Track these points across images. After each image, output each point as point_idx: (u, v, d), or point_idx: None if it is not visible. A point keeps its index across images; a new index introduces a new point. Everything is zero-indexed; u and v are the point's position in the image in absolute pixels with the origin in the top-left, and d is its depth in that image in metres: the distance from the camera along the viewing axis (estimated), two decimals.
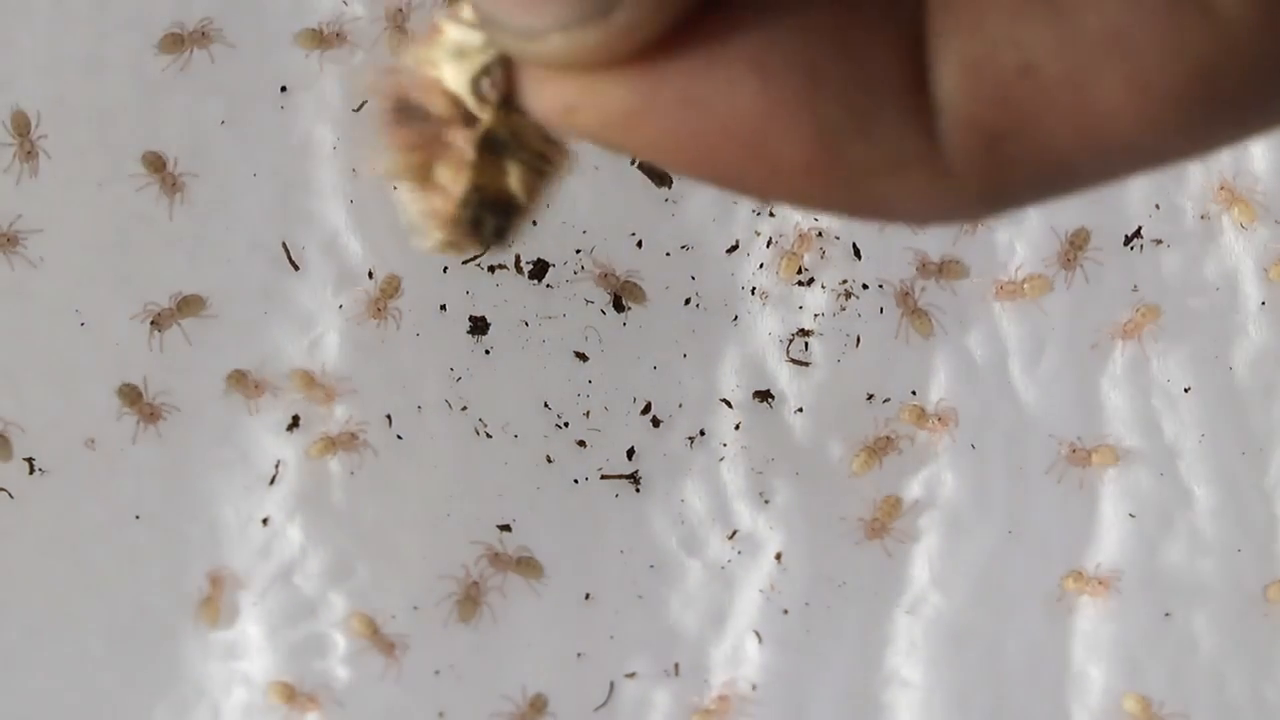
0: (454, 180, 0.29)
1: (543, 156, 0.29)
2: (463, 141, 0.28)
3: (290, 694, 0.70)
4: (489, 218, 0.29)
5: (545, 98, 0.27)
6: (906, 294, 0.75)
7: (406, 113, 0.29)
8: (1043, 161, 0.25)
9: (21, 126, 0.71)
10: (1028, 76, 0.24)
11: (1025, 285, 0.75)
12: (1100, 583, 0.74)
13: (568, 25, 0.25)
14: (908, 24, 0.25)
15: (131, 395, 0.72)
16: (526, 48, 0.26)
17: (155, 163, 0.72)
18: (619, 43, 0.25)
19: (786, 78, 0.25)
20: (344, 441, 0.72)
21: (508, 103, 0.28)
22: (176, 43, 0.73)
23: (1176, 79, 0.23)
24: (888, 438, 0.75)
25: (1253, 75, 0.24)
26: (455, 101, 0.28)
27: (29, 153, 0.71)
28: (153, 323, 0.72)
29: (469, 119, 0.28)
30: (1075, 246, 0.75)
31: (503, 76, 0.27)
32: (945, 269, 0.75)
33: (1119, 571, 0.74)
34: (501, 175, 0.29)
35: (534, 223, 0.71)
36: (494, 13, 0.25)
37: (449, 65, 0.28)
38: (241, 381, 0.72)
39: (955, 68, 0.24)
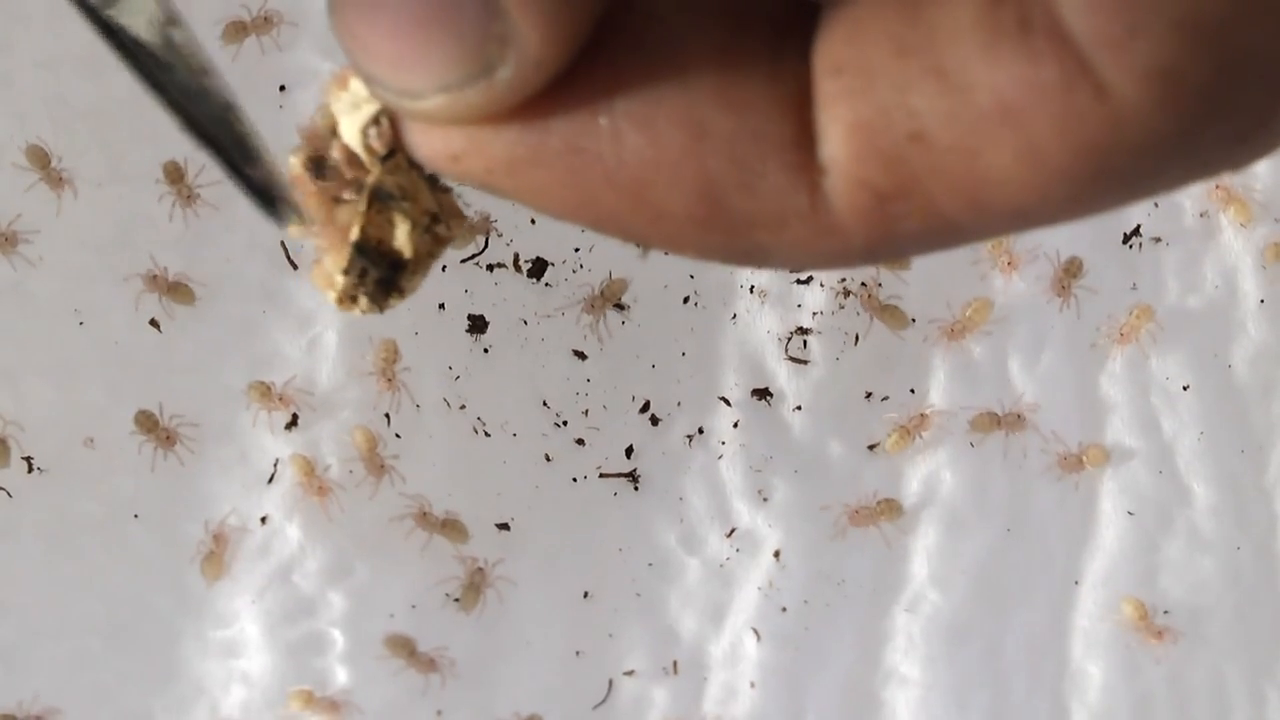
0: (346, 230, 0.29)
1: (434, 218, 0.29)
2: (356, 193, 0.29)
3: (309, 699, 0.70)
4: (372, 269, 0.29)
5: (430, 146, 0.27)
6: (870, 295, 0.75)
7: (316, 162, 0.29)
8: (929, 221, 0.25)
9: (40, 160, 0.71)
10: (918, 142, 0.24)
11: (969, 311, 0.75)
12: (1159, 633, 0.73)
13: (449, 87, 0.25)
14: (793, 84, 0.25)
15: (148, 423, 0.71)
16: (408, 106, 0.26)
17: (174, 173, 0.72)
18: (502, 101, 0.25)
19: (671, 132, 0.25)
20: (318, 489, 0.72)
21: (395, 156, 0.28)
22: None
23: (1068, 155, 0.24)
24: (923, 415, 0.74)
25: (1144, 154, 0.24)
26: (351, 153, 0.28)
27: (58, 179, 0.71)
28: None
29: (363, 170, 0.28)
30: (1069, 274, 0.75)
31: (390, 128, 0.28)
32: (885, 311, 0.75)
33: (1182, 630, 0.74)
34: (389, 229, 0.29)
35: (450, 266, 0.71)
36: (373, 74, 0.25)
37: (345, 117, 0.28)
38: (266, 395, 0.72)
39: (844, 129, 0.24)
